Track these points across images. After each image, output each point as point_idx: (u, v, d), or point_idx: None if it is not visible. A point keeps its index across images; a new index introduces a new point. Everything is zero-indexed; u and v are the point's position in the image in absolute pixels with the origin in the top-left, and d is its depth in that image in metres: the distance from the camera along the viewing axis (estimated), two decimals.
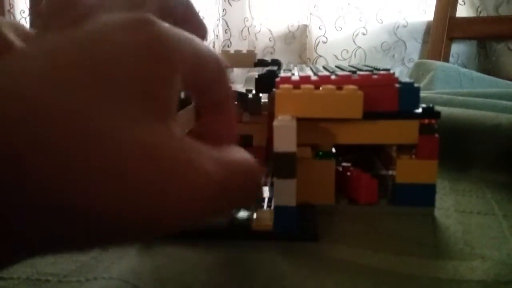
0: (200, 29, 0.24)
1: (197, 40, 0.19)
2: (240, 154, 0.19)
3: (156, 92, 0.16)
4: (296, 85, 0.28)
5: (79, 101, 0.14)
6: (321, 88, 0.28)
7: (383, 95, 0.28)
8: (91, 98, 0.15)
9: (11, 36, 0.22)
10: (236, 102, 0.39)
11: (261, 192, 0.20)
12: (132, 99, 0.16)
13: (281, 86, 0.28)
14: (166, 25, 0.18)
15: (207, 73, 0.20)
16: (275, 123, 0.25)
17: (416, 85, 0.29)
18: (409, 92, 0.28)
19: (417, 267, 0.23)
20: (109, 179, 0.14)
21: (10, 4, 1.71)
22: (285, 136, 0.25)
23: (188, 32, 0.20)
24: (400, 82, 0.29)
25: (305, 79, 0.29)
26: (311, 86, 0.28)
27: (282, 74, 0.32)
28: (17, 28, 0.23)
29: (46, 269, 0.24)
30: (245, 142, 0.38)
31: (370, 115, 0.28)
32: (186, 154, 0.16)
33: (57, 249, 0.16)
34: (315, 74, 0.32)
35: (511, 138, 0.37)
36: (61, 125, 0.14)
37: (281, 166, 0.25)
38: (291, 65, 0.44)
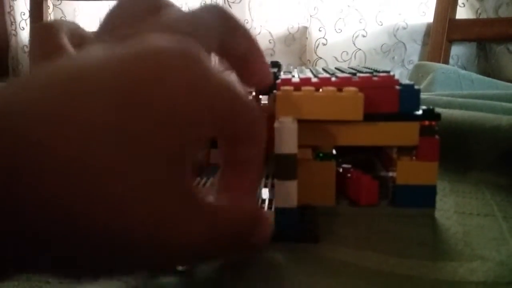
0: (263, 73, 0.23)
1: (238, 87, 0.18)
2: (247, 201, 0.20)
3: (174, 133, 0.15)
4: (297, 87, 0.28)
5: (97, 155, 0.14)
6: (321, 90, 0.28)
7: (383, 97, 0.28)
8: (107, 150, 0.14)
9: (65, 40, 0.21)
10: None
11: (265, 238, 0.20)
12: (143, 138, 0.15)
13: (282, 87, 0.28)
14: (209, 60, 0.17)
15: (239, 124, 0.19)
16: (276, 124, 0.25)
17: (416, 87, 0.29)
18: (410, 94, 0.29)
19: (418, 269, 0.23)
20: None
21: (10, 6, 1.72)
22: (286, 138, 0.25)
23: (249, 72, 0.20)
24: (400, 84, 0.29)
25: (305, 81, 0.29)
26: (311, 88, 0.28)
27: (282, 76, 0.32)
28: (74, 31, 0.22)
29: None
30: None
31: (370, 116, 0.28)
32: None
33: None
34: (315, 76, 0.32)
35: (511, 140, 0.37)
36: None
37: (281, 167, 0.25)
38: (291, 67, 0.44)
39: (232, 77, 0.19)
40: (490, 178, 0.37)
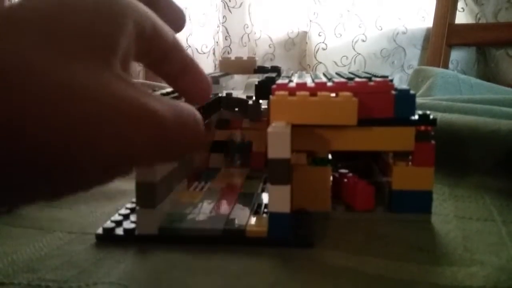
0: (176, 14, 0.24)
1: (151, 13, 0.20)
2: (184, 103, 0.20)
3: (104, 36, 0.17)
4: (292, 91, 0.28)
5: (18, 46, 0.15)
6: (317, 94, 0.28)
7: (379, 101, 0.28)
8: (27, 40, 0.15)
9: None
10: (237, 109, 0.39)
11: (202, 138, 0.21)
12: (70, 37, 0.16)
13: (277, 92, 0.28)
14: None
15: (162, 40, 0.20)
16: (269, 129, 0.25)
17: (412, 92, 0.29)
18: (405, 99, 0.29)
19: (417, 273, 0.23)
20: (45, 116, 0.15)
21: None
22: (279, 143, 0.25)
23: (164, 18, 0.21)
24: (396, 89, 0.29)
25: (301, 86, 0.29)
26: (306, 93, 0.28)
27: (280, 81, 0.32)
28: None
29: (47, 275, 0.24)
30: (245, 148, 0.38)
31: (365, 121, 0.28)
32: (128, 91, 0.16)
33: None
34: (313, 81, 0.32)
35: (510, 144, 0.37)
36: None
37: (275, 172, 0.25)
38: (291, 72, 0.44)
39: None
40: (490, 182, 0.37)
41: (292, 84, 0.30)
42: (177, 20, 0.24)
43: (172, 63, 0.21)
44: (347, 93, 0.27)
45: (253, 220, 0.28)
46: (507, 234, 0.28)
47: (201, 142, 0.20)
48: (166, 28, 0.20)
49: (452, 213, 0.31)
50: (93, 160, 0.16)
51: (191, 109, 0.19)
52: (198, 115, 0.20)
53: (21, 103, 0.14)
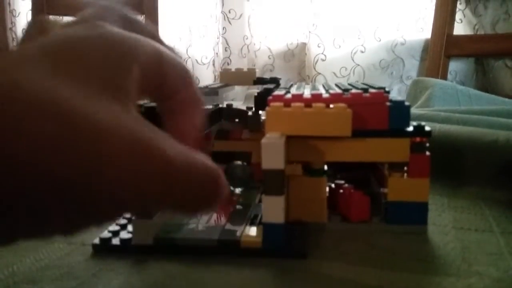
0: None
1: (161, 45, 0.20)
2: (200, 155, 0.19)
3: (114, 75, 0.17)
4: (287, 103, 0.28)
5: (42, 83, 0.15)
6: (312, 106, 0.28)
7: (373, 113, 0.28)
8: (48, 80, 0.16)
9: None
10: (237, 120, 0.39)
11: (221, 195, 0.21)
12: (87, 80, 0.16)
13: (272, 104, 0.28)
14: (118, 29, 0.19)
15: (172, 75, 0.21)
16: (263, 140, 0.25)
17: (406, 103, 0.29)
18: (400, 110, 0.29)
19: (415, 284, 0.23)
20: (66, 149, 0.15)
21: (12, 23, 1.73)
22: (273, 154, 0.25)
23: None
24: (390, 100, 0.29)
25: (296, 97, 0.29)
26: (301, 104, 0.28)
27: (276, 92, 0.32)
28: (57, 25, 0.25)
29: (47, 286, 0.24)
30: (244, 159, 0.38)
31: (360, 132, 0.28)
32: (142, 132, 0.17)
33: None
34: (311, 92, 0.32)
35: (508, 155, 0.38)
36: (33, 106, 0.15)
37: (269, 183, 0.26)
38: (290, 83, 0.44)
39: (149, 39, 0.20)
40: (488, 193, 0.37)
41: (288, 96, 0.30)
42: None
43: (178, 99, 0.21)
44: (342, 105, 0.28)
45: (248, 230, 0.28)
46: (505, 245, 0.28)
47: (216, 200, 0.20)
48: (174, 61, 0.21)
49: (451, 223, 0.31)
50: (111, 198, 0.16)
51: (208, 164, 0.19)
52: (215, 172, 0.19)
53: (52, 141, 0.15)
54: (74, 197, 0.15)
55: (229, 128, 0.41)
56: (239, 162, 0.35)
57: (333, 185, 0.33)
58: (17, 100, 0.15)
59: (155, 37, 0.23)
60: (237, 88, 0.51)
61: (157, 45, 0.20)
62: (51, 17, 1.59)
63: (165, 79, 0.20)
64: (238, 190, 0.35)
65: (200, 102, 0.22)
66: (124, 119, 0.17)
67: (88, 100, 0.16)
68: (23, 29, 1.73)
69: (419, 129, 0.29)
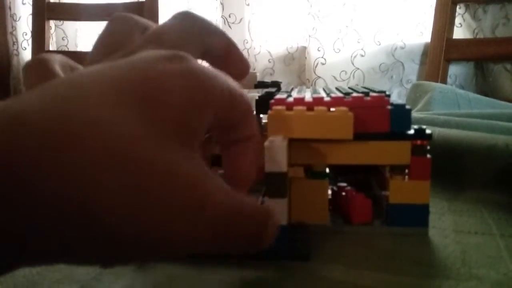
0: (242, 64, 0.26)
1: (230, 80, 0.21)
2: (249, 199, 0.20)
3: (186, 119, 0.18)
4: (289, 106, 0.29)
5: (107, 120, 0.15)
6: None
7: (375, 116, 0.29)
8: (119, 117, 0.16)
9: (58, 69, 0.23)
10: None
11: (267, 241, 0.21)
12: (163, 123, 0.17)
13: (274, 107, 0.29)
14: (200, 63, 0.19)
15: (237, 111, 0.21)
16: (266, 143, 0.26)
17: (407, 107, 0.29)
18: (400, 114, 0.29)
19: (415, 287, 0.24)
20: (127, 195, 0.15)
21: (12, 27, 1.74)
22: (275, 157, 0.25)
23: (230, 67, 0.23)
24: (391, 104, 0.29)
25: (298, 101, 0.29)
26: (303, 108, 0.28)
27: (278, 95, 0.32)
28: (65, 63, 0.25)
29: None
30: None
31: (362, 136, 0.29)
32: (198, 179, 0.17)
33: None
34: (312, 96, 0.32)
35: (507, 159, 0.38)
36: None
37: (272, 186, 0.26)
38: (291, 87, 0.44)
39: (223, 75, 0.21)
40: (488, 196, 0.37)
41: (290, 99, 0.30)
42: (243, 72, 0.26)
43: (238, 131, 0.22)
44: (343, 108, 0.28)
45: None
46: (505, 248, 0.28)
47: (263, 242, 0.20)
48: (240, 97, 0.21)
49: (451, 227, 0.32)
50: (160, 245, 0.17)
51: (256, 207, 0.20)
52: (264, 214, 0.20)
53: (132, 198, 0.15)
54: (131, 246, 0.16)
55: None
56: None
57: (335, 188, 0.33)
58: (94, 148, 0.15)
59: (230, 47, 0.25)
60: None
61: (231, 84, 0.20)
62: (53, 22, 1.60)
63: (232, 119, 0.21)
64: None
65: (259, 139, 0.23)
66: (186, 167, 0.17)
67: (162, 149, 0.16)
68: (23, 33, 1.73)
69: (420, 132, 0.29)
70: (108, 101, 0.16)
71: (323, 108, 0.28)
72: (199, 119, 0.18)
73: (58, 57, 0.24)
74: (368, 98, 0.29)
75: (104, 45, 0.23)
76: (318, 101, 0.29)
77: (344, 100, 0.29)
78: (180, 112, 0.17)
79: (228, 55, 0.25)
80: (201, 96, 0.18)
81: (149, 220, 0.16)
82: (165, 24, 0.23)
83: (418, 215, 0.30)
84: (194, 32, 0.23)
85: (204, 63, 0.20)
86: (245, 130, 0.22)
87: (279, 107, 0.28)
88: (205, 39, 0.24)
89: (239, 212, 0.19)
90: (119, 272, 0.26)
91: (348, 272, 0.25)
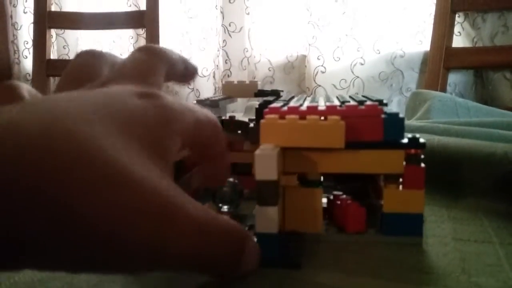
0: (191, 70, 0.31)
1: (198, 109, 0.24)
2: (226, 219, 0.22)
3: (159, 138, 0.20)
4: (283, 115, 0.29)
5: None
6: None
7: (368, 125, 0.29)
8: (109, 143, 0.17)
9: (26, 94, 0.25)
10: (239, 133, 0.39)
11: (247, 265, 0.22)
12: (138, 140, 0.19)
13: (267, 116, 0.29)
14: (171, 99, 0.22)
15: (204, 135, 0.24)
16: (256, 152, 0.26)
17: (401, 115, 0.29)
18: (394, 123, 0.29)
19: None
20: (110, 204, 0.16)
21: (14, 35, 1.75)
22: (266, 165, 0.25)
23: (185, 73, 0.27)
24: (385, 113, 0.29)
25: (292, 109, 0.30)
26: (295, 116, 0.28)
27: (274, 104, 0.32)
28: (31, 90, 0.26)
29: None
30: (245, 170, 0.38)
31: (355, 144, 0.29)
32: (170, 192, 0.19)
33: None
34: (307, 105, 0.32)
35: (506, 166, 0.38)
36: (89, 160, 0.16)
37: (262, 193, 0.26)
38: (291, 95, 0.44)
39: (192, 108, 0.24)
40: (487, 204, 0.37)
41: (284, 108, 0.30)
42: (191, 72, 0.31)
43: (206, 151, 0.26)
44: (335, 117, 0.28)
45: None
46: (504, 256, 0.28)
47: (241, 260, 0.22)
48: (207, 123, 0.24)
49: (450, 234, 0.32)
50: (137, 253, 0.17)
51: (231, 225, 0.22)
52: (240, 232, 0.22)
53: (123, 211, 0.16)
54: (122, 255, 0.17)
55: (231, 140, 0.42)
56: (230, 179, 0.35)
57: (331, 197, 0.33)
58: (88, 164, 0.16)
59: (184, 63, 0.30)
60: (238, 100, 0.52)
61: (196, 113, 0.23)
62: (54, 30, 1.60)
63: (200, 139, 0.24)
64: (225, 208, 0.35)
65: (227, 156, 0.27)
66: (160, 181, 0.18)
67: (137, 161, 0.18)
68: (25, 41, 1.74)
69: (413, 141, 0.29)
70: (88, 118, 0.17)
71: (316, 117, 0.28)
72: (170, 140, 0.21)
73: (25, 85, 0.26)
74: (362, 107, 0.29)
75: (73, 76, 0.25)
76: (311, 110, 0.29)
77: (338, 109, 0.29)
78: (154, 132, 0.20)
79: (186, 70, 0.30)
80: (171, 123, 0.21)
81: (124, 227, 0.16)
82: (129, 59, 0.26)
83: (412, 224, 0.30)
84: (155, 63, 0.26)
85: (171, 98, 0.23)
86: (215, 147, 0.26)
87: (272, 116, 0.29)
88: (166, 67, 0.27)
89: (214, 225, 0.20)
90: (120, 280, 0.26)
91: (342, 279, 0.25)
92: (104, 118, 0.18)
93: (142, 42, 1.62)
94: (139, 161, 0.18)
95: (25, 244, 0.15)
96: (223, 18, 1.62)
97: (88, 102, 0.18)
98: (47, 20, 1.52)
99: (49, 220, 0.15)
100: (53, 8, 1.59)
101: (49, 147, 0.15)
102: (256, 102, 0.43)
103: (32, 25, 1.56)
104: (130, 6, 1.64)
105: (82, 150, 0.16)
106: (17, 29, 1.75)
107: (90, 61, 0.26)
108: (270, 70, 1.58)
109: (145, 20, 1.46)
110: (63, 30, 1.70)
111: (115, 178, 0.16)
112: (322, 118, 0.28)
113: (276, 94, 0.45)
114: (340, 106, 0.30)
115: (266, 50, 1.58)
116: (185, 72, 0.30)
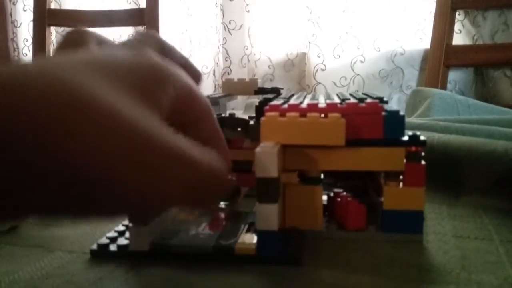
0: (195, 74, 0.28)
1: (190, 80, 0.23)
2: (213, 154, 0.21)
3: (151, 92, 0.20)
4: (283, 112, 0.29)
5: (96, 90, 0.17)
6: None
7: (368, 122, 0.29)
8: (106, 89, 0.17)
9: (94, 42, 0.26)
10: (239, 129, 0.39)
11: (229, 186, 0.23)
12: (135, 94, 0.19)
13: (267, 113, 0.29)
14: (164, 60, 0.22)
15: (197, 107, 0.23)
16: (257, 149, 0.26)
17: (401, 113, 0.29)
18: (394, 120, 0.29)
19: None
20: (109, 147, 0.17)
21: (13, 33, 1.74)
22: (266, 162, 0.26)
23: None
24: (385, 110, 0.29)
25: (292, 107, 0.30)
26: (296, 114, 0.28)
27: (274, 102, 0.32)
28: (99, 38, 0.27)
29: None
30: (245, 168, 0.38)
31: (355, 142, 0.29)
32: (173, 138, 0.19)
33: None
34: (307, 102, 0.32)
35: (506, 164, 0.38)
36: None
37: (263, 191, 0.26)
38: (291, 93, 0.44)
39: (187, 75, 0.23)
40: (488, 202, 0.37)
41: (285, 105, 0.30)
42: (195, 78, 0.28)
43: (200, 130, 0.24)
44: (335, 114, 0.28)
45: (243, 238, 0.28)
46: (505, 254, 0.28)
47: (226, 190, 0.22)
48: (201, 95, 0.23)
49: (450, 232, 0.32)
50: (131, 193, 0.18)
51: (220, 159, 0.21)
52: (224, 165, 0.21)
53: (99, 140, 0.16)
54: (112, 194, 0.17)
55: (230, 137, 0.42)
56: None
57: (331, 194, 0.33)
58: (82, 110, 0.16)
59: (186, 62, 0.27)
60: (238, 98, 0.52)
61: (190, 80, 0.23)
62: (54, 28, 1.60)
63: (192, 108, 0.23)
64: (222, 204, 0.35)
65: (220, 134, 0.25)
66: (160, 128, 0.19)
67: (135, 109, 0.18)
68: (24, 39, 1.74)
69: (414, 138, 0.29)
70: (82, 68, 0.18)
71: (316, 114, 0.28)
72: (159, 92, 0.20)
73: (94, 33, 0.26)
74: (362, 105, 0.29)
75: (61, 54, 0.25)
76: (312, 107, 0.29)
77: (338, 106, 0.29)
78: (146, 82, 0.20)
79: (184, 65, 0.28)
80: (161, 76, 0.21)
81: (111, 161, 0.17)
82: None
83: (412, 222, 0.30)
84: (151, 43, 0.26)
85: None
86: (206, 130, 0.24)
87: (273, 113, 0.29)
88: (162, 49, 0.26)
89: (212, 165, 0.20)
90: (119, 277, 0.26)
91: (342, 276, 0.25)
92: (97, 69, 0.18)
93: None
94: (130, 104, 0.18)
95: (15, 185, 0.16)
96: (223, 15, 1.62)
97: (84, 57, 0.19)
98: (46, 17, 1.52)
99: (40, 162, 0.16)
100: (53, 5, 1.59)
101: (42, 92, 0.16)
102: (256, 100, 0.43)
103: (31, 22, 1.56)
104: (130, 3, 1.64)
105: (74, 95, 0.16)
106: (16, 27, 1.75)
107: (78, 39, 0.26)
108: (270, 68, 1.58)
109: (145, 17, 1.45)
110: (62, 28, 1.69)
111: (106, 121, 0.17)
112: (323, 115, 0.28)
113: (276, 91, 0.45)
114: (341, 103, 0.30)
115: (266, 48, 1.58)
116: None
